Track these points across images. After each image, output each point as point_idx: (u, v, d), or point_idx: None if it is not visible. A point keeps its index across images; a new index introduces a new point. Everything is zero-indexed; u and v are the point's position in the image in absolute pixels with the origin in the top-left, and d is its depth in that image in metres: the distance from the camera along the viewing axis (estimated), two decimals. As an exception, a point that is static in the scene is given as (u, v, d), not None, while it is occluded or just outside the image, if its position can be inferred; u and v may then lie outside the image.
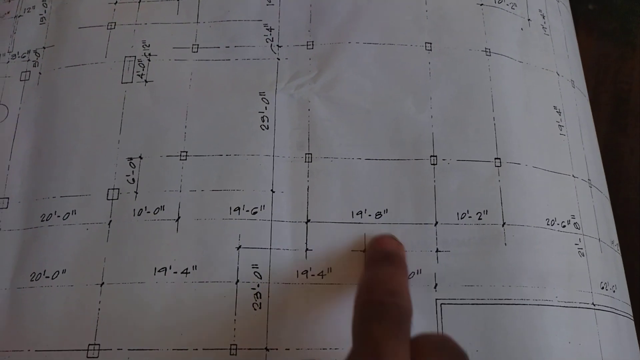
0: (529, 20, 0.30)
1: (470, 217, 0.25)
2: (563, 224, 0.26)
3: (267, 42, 0.27)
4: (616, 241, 0.29)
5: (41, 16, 0.29)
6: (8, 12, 0.30)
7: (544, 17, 0.30)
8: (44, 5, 0.29)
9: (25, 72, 0.28)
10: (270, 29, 0.28)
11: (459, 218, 0.25)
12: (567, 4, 0.34)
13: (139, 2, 0.28)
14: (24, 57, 0.29)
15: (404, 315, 0.19)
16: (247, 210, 0.25)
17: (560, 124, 0.28)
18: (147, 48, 0.27)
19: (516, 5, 0.29)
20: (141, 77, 0.27)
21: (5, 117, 0.28)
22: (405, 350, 0.17)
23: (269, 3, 0.28)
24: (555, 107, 0.28)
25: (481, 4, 0.29)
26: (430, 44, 0.28)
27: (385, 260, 0.23)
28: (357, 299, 0.20)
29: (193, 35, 0.28)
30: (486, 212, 0.25)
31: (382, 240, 0.24)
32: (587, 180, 0.28)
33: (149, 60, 0.27)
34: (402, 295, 0.20)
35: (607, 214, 0.29)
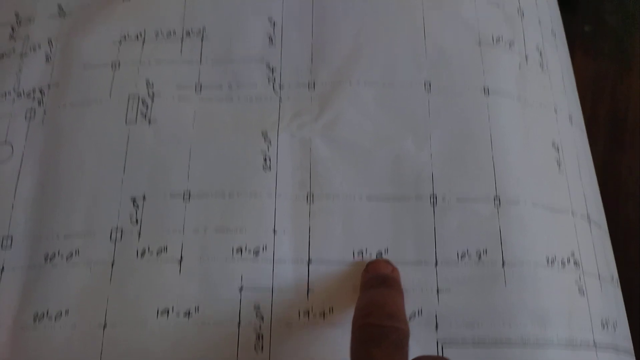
0: (526, 57, 0.30)
1: (470, 256, 0.25)
2: (563, 261, 0.26)
3: (269, 81, 0.28)
4: (616, 276, 0.29)
5: (47, 55, 0.30)
6: (14, 50, 0.30)
7: (540, 54, 0.31)
8: (50, 43, 0.30)
9: (30, 110, 0.29)
10: (272, 68, 0.28)
11: (459, 258, 0.25)
12: (564, 38, 0.34)
13: (143, 41, 0.29)
14: (29, 95, 0.29)
15: (402, 338, 0.19)
16: (250, 251, 0.25)
17: (559, 160, 0.28)
18: (151, 87, 0.28)
19: (513, 43, 0.30)
20: (145, 117, 0.27)
21: (10, 156, 0.28)
22: None
23: (270, 43, 0.28)
24: (553, 144, 0.29)
25: (479, 43, 0.29)
26: (430, 83, 0.28)
27: (381, 283, 0.23)
28: (355, 323, 0.20)
29: (196, 75, 0.28)
30: (486, 251, 0.25)
31: (377, 265, 0.25)
32: (585, 216, 0.28)
33: (153, 100, 0.28)
34: (400, 318, 0.20)
35: (606, 249, 0.29)
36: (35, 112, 0.29)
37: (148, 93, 0.28)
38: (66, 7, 0.31)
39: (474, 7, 0.30)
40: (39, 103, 0.29)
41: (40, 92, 0.29)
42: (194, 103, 0.27)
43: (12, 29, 0.31)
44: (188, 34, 0.29)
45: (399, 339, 0.19)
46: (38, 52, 0.30)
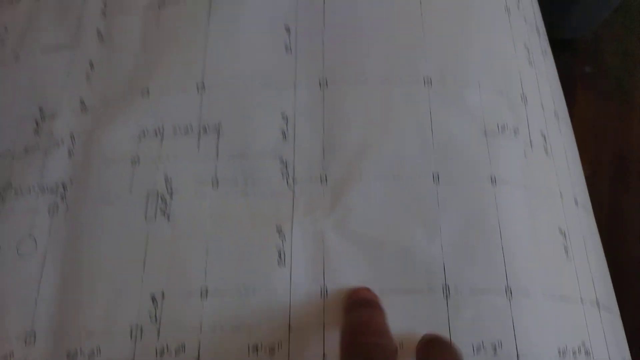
0: (531, 143, 0.31)
1: (485, 349, 0.25)
2: (574, 352, 0.26)
3: (282, 176, 0.29)
4: (628, 357, 0.30)
5: (69, 150, 0.31)
6: (38, 146, 0.31)
7: (545, 139, 0.32)
8: (72, 139, 0.31)
9: (54, 205, 0.30)
10: (286, 163, 0.29)
11: (475, 351, 0.25)
12: (567, 118, 0.35)
13: (162, 137, 0.30)
14: (52, 190, 0.30)
15: (389, 354, 0.21)
16: (265, 349, 0.25)
17: (566, 246, 0.29)
18: (169, 183, 0.29)
19: (518, 130, 0.31)
20: (164, 214, 0.28)
21: (34, 251, 0.29)
22: None
23: (284, 138, 0.29)
24: (560, 230, 0.29)
25: (485, 133, 0.30)
26: (438, 174, 0.29)
27: (363, 305, 0.24)
28: (342, 342, 0.22)
29: (213, 171, 0.29)
30: (501, 344, 0.26)
31: (358, 291, 0.26)
32: (595, 301, 0.29)
33: (171, 196, 0.29)
34: (385, 335, 0.21)
35: (617, 333, 0.30)
36: (58, 207, 0.30)
37: (167, 189, 0.29)
38: (88, 102, 0.32)
39: (479, 97, 0.31)
40: (62, 198, 0.30)
41: (63, 187, 0.30)
42: (210, 199, 0.28)
43: (37, 124, 0.32)
44: (205, 129, 0.30)
45: (385, 355, 0.20)
46: (61, 147, 0.31)
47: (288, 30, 0.32)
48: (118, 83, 0.32)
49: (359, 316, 0.23)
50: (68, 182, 0.30)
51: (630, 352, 0.29)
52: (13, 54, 0.35)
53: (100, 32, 0.34)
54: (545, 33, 0.38)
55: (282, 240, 0.27)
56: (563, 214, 0.30)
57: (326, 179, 0.29)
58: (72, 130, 0.31)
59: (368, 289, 0.26)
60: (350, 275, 0.27)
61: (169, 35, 0.33)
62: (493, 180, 0.29)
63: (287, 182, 0.29)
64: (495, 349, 0.25)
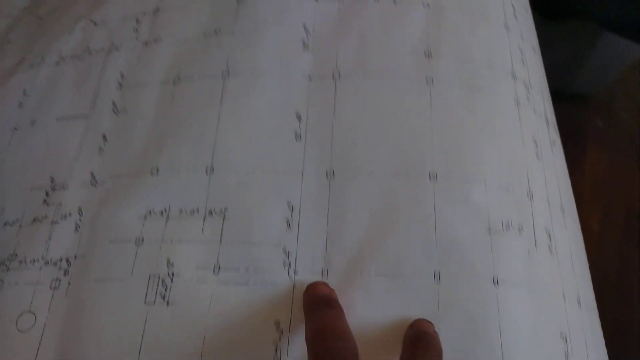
0: (535, 241, 0.31)
1: None
2: None
3: (284, 266, 0.29)
4: None
5: (76, 224, 0.31)
6: (46, 217, 0.32)
7: (549, 237, 0.32)
8: (80, 212, 0.32)
9: (56, 280, 0.30)
10: (288, 253, 0.29)
11: None
12: (574, 212, 0.35)
13: (167, 218, 0.30)
14: (56, 264, 0.30)
15: (353, 355, 0.23)
16: None
17: (567, 352, 0.29)
18: (171, 267, 0.29)
19: (523, 228, 0.31)
20: (163, 298, 0.28)
21: (32, 326, 0.29)
22: None
23: (288, 228, 0.30)
24: (561, 335, 0.29)
25: (489, 231, 0.30)
26: (439, 272, 0.29)
27: (325, 305, 0.26)
28: (312, 346, 0.24)
29: (215, 256, 0.29)
30: None
31: (317, 287, 0.28)
32: (594, 411, 0.28)
33: (172, 280, 0.29)
34: (349, 338, 0.24)
35: None
36: (60, 282, 0.30)
37: (168, 273, 0.29)
38: (98, 176, 0.32)
39: (485, 193, 0.31)
40: (65, 273, 0.30)
41: (67, 261, 0.30)
42: (211, 286, 0.29)
43: (47, 194, 0.32)
44: (210, 213, 0.30)
45: (351, 355, 0.23)
46: (68, 220, 0.31)
47: (299, 117, 0.32)
48: (129, 159, 0.33)
49: (325, 319, 0.25)
50: (72, 257, 0.30)
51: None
52: (29, 118, 0.36)
53: (116, 105, 0.35)
54: (554, 122, 0.38)
55: (280, 335, 0.27)
56: (565, 317, 0.30)
57: (327, 273, 0.29)
58: (81, 203, 0.32)
59: (325, 283, 0.28)
60: (345, 374, 0.27)
61: (182, 113, 0.33)
62: (495, 281, 0.29)
63: (289, 273, 0.29)
64: None
